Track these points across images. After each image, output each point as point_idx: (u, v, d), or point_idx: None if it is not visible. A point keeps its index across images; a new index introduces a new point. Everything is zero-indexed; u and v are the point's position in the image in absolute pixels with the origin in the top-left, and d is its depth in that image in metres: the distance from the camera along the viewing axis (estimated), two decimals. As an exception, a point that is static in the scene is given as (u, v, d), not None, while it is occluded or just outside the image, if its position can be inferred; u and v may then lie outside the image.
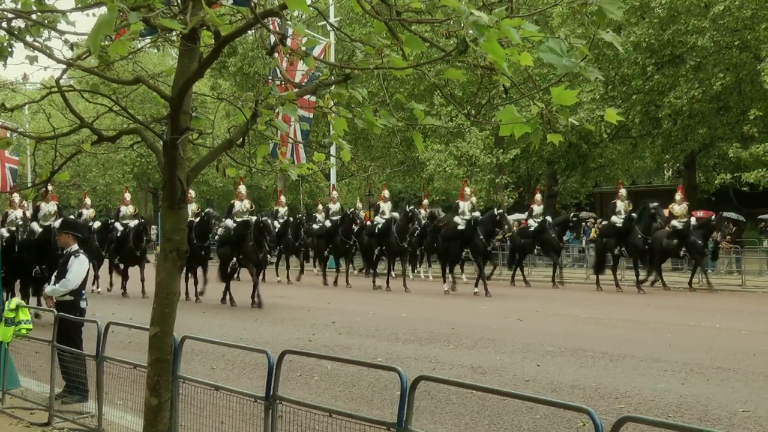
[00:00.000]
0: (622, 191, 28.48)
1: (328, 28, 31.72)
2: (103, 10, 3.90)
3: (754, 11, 33.05)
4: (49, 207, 22.73)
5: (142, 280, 24.96)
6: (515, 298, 24.55)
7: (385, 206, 30.67)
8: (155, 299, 5.84)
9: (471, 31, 3.90)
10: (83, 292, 11.21)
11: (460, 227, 26.25)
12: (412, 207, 29.09)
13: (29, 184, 28.06)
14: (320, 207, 34.98)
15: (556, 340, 15.05)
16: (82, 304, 11.12)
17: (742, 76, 36.00)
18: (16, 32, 4.99)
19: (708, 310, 19.90)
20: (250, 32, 6.75)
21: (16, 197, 22.38)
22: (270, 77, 6.25)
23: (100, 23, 3.72)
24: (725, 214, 29.24)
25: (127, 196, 29.37)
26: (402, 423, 5.63)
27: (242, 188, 25.65)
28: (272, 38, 5.42)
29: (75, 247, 11.37)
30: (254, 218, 23.59)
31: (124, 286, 26.38)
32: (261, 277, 23.66)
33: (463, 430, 9.14)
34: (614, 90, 38.54)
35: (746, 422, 9.15)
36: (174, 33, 5.13)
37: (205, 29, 4.89)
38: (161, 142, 5.65)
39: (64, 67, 5.73)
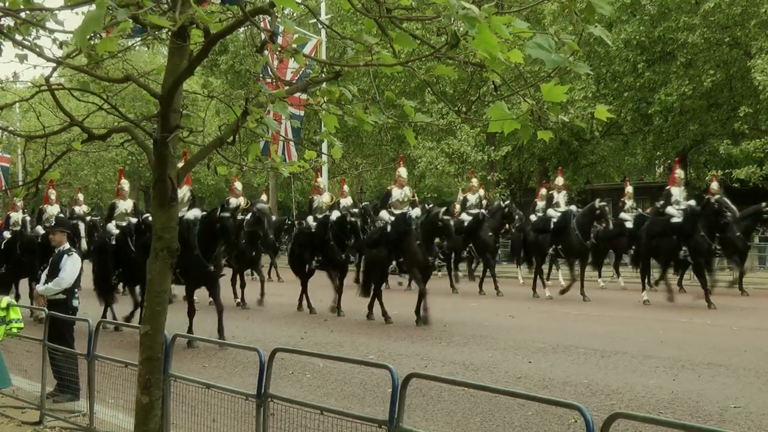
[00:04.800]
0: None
1: (319, 25, 31.75)
2: (92, 8, 3.89)
3: (744, 8, 33.12)
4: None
5: (243, 287, 22.26)
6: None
7: (560, 197, 25.13)
8: (146, 297, 5.84)
9: (461, 26, 3.90)
10: (76, 291, 11.20)
11: (675, 220, 20.82)
12: (603, 203, 23.45)
13: (20, 183, 27.96)
14: (460, 197, 29.61)
15: (548, 337, 15.06)
16: (75, 302, 11.11)
17: (732, 73, 36.09)
18: (5, 31, 4.98)
19: (699, 307, 19.93)
20: (240, 30, 6.76)
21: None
22: (261, 75, 6.25)
23: (88, 20, 3.72)
24: None
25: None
26: (393, 420, 5.63)
27: (402, 171, 20.91)
28: (263, 36, 5.42)
29: (67, 245, 11.36)
30: (416, 211, 18.19)
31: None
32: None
33: (455, 427, 9.14)
34: (606, 87, 38.58)
35: (737, 418, 9.17)
36: (164, 31, 5.12)
37: (195, 27, 4.89)
38: (152, 140, 5.64)
39: (54, 65, 5.72)
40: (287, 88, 5.75)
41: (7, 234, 22.16)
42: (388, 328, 16.91)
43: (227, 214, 15.65)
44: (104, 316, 17.45)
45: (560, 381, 11.28)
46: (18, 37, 5.02)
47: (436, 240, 17.76)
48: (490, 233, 25.24)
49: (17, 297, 20.82)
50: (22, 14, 4.84)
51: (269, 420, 6.74)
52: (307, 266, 21.02)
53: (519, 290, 25.45)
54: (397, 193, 19.81)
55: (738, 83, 36.61)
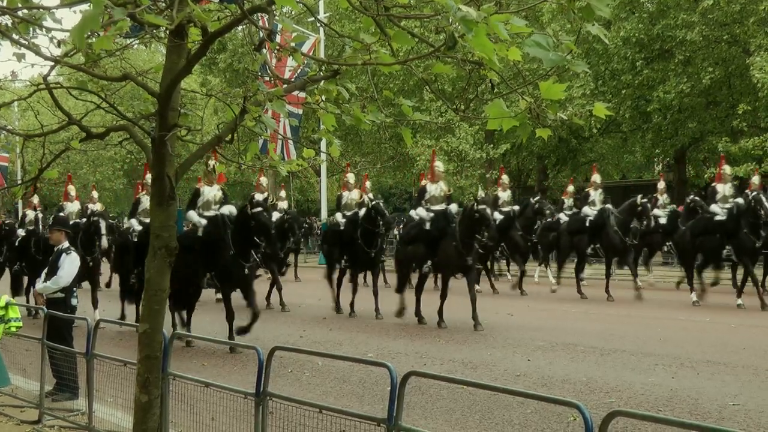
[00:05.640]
0: None
1: (318, 24, 31.77)
2: (89, 7, 3.88)
3: (743, 5, 33.09)
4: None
5: (278, 287, 21.10)
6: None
7: (596, 194, 24.04)
8: (144, 296, 5.83)
9: (459, 27, 3.90)
10: (74, 289, 11.21)
11: (719, 218, 20.15)
12: (644, 199, 22.37)
13: (19, 182, 27.91)
14: (481, 194, 28.81)
15: (547, 335, 15.07)
16: (73, 301, 11.12)
17: (731, 71, 36.06)
18: (2, 30, 4.98)
19: (698, 305, 19.95)
20: (239, 28, 6.76)
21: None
22: (259, 73, 6.25)
23: (85, 19, 3.71)
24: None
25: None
26: (392, 419, 5.63)
27: (439, 164, 19.55)
28: (261, 34, 5.42)
29: (66, 244, 11.36)
30: (453, 206, 17.91)
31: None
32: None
33: (453, 426, 9.14)
34: (604, 85, 38.52)
35: (736, 415, 9.18)
36: (161, 29, 5.12)
37: (193, 25, 4.88)
38: (150, 139, 5.64)
39: (52, 64, 5.72)
40: (285, 86, 5.76)
41: (21, 232, 21.99)
42: (386, 326, 16.90)
43: (261, 209, 14.78)
44: (122, 317, 17.38)
45: (559, 379, 11.29)
46: (16, 36, 5.01)
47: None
48: (520, 232, 24.40)
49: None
50: (20, 13, 4.84)
51: (268, 418, 6.74)
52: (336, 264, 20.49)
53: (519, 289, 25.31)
54: (432, 189, 18.61)
55: (737, 81, 36.58)
